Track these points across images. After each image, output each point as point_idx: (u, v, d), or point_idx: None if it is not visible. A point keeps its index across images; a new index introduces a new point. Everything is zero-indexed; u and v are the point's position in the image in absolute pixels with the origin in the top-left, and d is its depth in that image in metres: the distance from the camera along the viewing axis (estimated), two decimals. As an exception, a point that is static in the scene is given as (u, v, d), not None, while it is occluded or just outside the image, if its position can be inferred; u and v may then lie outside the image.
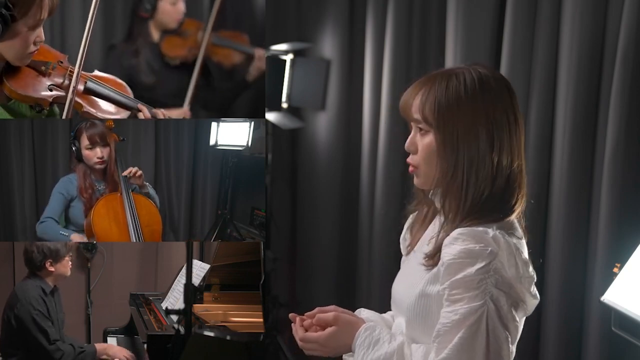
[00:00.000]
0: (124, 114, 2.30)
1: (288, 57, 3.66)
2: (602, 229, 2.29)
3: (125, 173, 2.61)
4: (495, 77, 1.46)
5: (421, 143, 1.47)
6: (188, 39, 3.20)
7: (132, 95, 2.36)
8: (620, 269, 1.99)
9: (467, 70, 1.45)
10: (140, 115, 2.30)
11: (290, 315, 1.57)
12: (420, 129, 1.47)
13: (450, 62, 2.76)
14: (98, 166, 2.63)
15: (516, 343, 1.47)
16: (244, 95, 3.47)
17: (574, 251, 2.42)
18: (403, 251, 1.64)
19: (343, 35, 3.51)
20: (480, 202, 1.42)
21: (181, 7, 3.15)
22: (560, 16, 2.44)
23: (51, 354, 2.70)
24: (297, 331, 1.54)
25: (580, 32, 2.34)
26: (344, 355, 1.61)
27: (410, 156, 1.50)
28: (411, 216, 1.65)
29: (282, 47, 3.64)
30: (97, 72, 2.34)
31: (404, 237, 1.65)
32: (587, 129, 2.37)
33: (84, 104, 2.21)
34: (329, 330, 1.51)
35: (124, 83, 2.37)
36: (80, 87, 2.22)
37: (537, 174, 2.51)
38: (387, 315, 1.68)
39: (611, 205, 2.26)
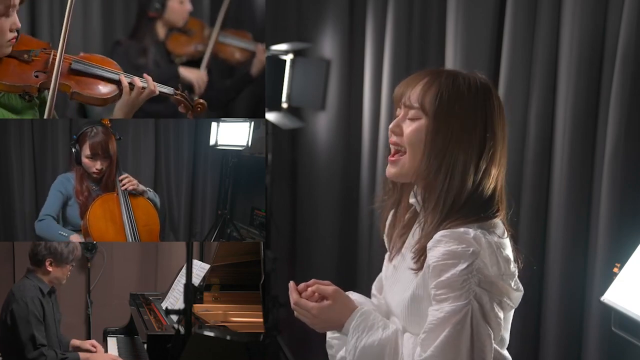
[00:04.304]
0: (114, 89, 2.25)
1: (288, 57, 3.66)
2: (602, 229, 2.29)
3: (120, 179, 2.60)
4: (495, 91, 1.50)
5: (409, 127, 1.48)
6: (193, 36, 3.23)
7: (122, 71, 2.31)
8: (620, 269, 1.99)
9: (472, 75, 1.49)
10: (124, 83, 2.24)
11: (290, 282, 1.58)
12: (411, 118, 1.48)
13: (450, 62, 2.76)
14: (95, 175, 2.62)
15: (508, 331, 1.51)
16: (245, 95, 3.48)
17: (574, 251, 2.42)
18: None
19: (343, 35, 3.51)
20: (460, 202, 1.44)
21: (188, 5, 3.21)
22: (560, 16, 2.44)
23: (34, 358, 2.69)
24: (292, 294, 1.56)
25: (580, 32, 2.34)
26: (327, 335, 1.62)
27: (394, 137, 1.51)
28: (387, 222, 1.66)
29: (282, 47, 3.64)
30: (82, 54, 2.29)
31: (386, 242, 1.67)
32: (587, 129, 2.37)
33: (71, 85, 2.18)
34: (325, 303, 1.53)
35: (113, 61, 2.31)
36: (65, 69, 2.18)
37: (537, 173, 2.51)
38: (374, 300, 1.69)
39: (611, 205, 2.26)
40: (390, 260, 1.62)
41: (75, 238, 2.57)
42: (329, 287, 1.54)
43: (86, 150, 2.60)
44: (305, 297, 1.55)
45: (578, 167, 2.39)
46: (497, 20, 2.67)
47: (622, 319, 1.98)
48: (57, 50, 2.15)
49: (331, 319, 1.52)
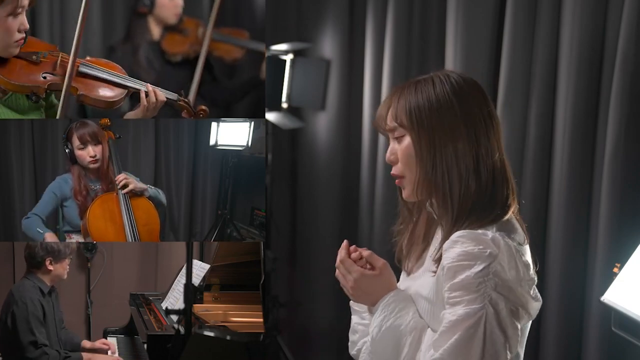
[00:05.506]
0: (121, 93, 2.29)
1: (288, 57, 3.66)
2: (602, 229, 2.29)
3: (117, 178, 2.61)
4: (464, 78, 1.46)
5: (399, 149, 1.46)
6: (189, 36, 3.21)
7: (126, 75, 2.34)
8: (620, 269, 1.99)
9: (435, 75, 1.47)
10: (142, 94, 2.30)
11: (345, 240, 1.54)
12: (397, 138, 1.47)
13: (450, 62, 2.76)
14: (92, 165, 2.62)
15: (523, 346, 1.48)
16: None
17: (574, 251, 2.42)
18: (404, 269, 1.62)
19: (343, 35, 3.51)
20: (469, 198, 1.40)
21: (179, 0, 3.17)
22: (560, 16, 2.44)
23: (36, 358, 2.69)
24: (341, 251, 1.53)
25: (580, 32, 2.34)
26: (353, 321, 1.59)
27: (393, 167, 1.49)
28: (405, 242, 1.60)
29: (282, 47, 3.64)
30: (89, 58, 2.33)
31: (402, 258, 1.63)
32: (587, 129, 2.37)
33: (79, 87, 2.22)
34: (370, 271, 1.49)
35: (117, 65, 2.35)
36: (74, 71, 2.21)
37: (537, 173, 2.51)
38: None
39: (611, 205, 2.26)
40: (408, 272, 1.57)
41: (50, 236, 2.57)
42: (380, 259, 1.50)
43: (76, 142, 2.60)
44: (354, 258, 1.51)
45: (578, 167, 2.39)
46: (497, 20, 2.67)
47: (622, 319, 1.98)
48: (64, 53, 2.18)
49: (369, 290, 1.48)
